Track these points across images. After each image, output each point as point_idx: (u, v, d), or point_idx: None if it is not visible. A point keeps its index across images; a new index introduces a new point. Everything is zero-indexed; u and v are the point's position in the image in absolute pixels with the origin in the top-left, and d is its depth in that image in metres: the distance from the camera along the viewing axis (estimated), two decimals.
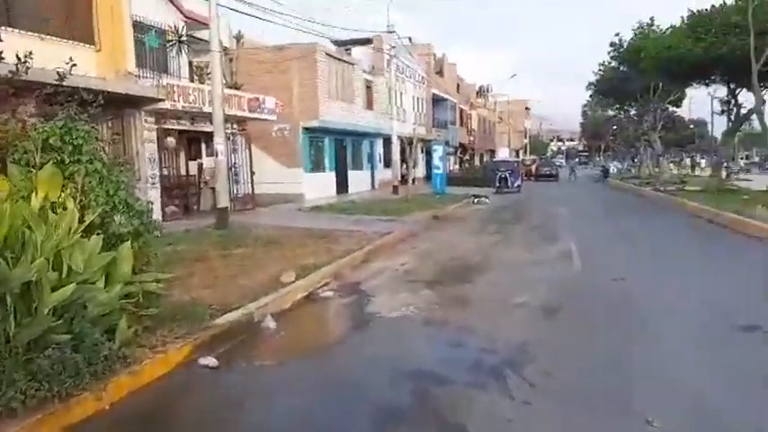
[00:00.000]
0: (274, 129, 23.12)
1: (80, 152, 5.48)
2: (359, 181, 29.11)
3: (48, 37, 11.96)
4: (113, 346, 4.54)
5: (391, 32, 30.01)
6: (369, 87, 31.38)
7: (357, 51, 31.76)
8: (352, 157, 29.23)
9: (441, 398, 4.38)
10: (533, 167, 49.49)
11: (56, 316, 4.31)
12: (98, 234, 5.04)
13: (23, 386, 3.81)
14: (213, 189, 15.56)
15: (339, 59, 27.29)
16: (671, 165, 52.52)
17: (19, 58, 5.99)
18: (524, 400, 4.25)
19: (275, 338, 6.07)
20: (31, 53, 6.11)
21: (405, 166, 29.79)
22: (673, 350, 5.40)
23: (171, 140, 16.08)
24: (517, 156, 66.54)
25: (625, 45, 31.11)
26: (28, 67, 6.00)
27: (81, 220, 4.93)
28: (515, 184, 30.69)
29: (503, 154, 55.78)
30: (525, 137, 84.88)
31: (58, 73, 6.03)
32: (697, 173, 48.45)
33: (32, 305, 4.28)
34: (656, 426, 3.78)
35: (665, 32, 27.31)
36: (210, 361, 5.18)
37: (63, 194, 5.01)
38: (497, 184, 30.15)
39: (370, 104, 31.12)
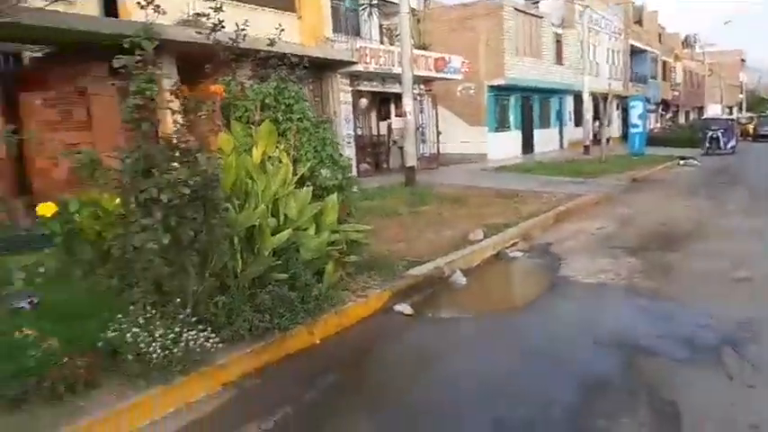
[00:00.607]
0: (459, 88, 23.00)
1: (291, 111, 5.94)
2: (546, 140, 27.90)
3: (259, 8, 13.06)
4: (322, 288, 4.93)
5: None
6: (558, 41, 29.62)
7: (545, 4, 30.02)
8: (539, 116, 28.04)
9: (647, 371, 4.06)
10: (750, 126, 43.10)
11: (275, 257, 4.77)
12: (308, 186, 5.45)
13: (250, 317, 4.30)
14: (401, 148, 16.02)
15: (527, 13, 26.08)
16: None
17: (238, 26, 6.60)
18: (747, 383, 3.77)
19: (465, 294, 6.13)
20: (246, 22, 6.69)
21: (597, 124, 27.86)
22: None
23: (364, 101, 16.83)
24: (730, 113, 58.53)
25: None
26: (245, 35, 6.59)
27: (294, 173, 5.36)
28: (729, 145, 27.03)
29: (713, 111, 49.51)
30: (741, 92, 74.14)
31: (269, 39, 6.54)
32: None
33: (255, 247, 4.78)
34: None
35: None
36: (405, 308, 5.40)
37: (278, 149, 5.47)
38: (707, 145, 26.81)
39: (559, 59, 29.42)
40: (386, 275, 5.98)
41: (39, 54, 10.87)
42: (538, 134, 27.39)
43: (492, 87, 23.49)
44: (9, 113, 9.27)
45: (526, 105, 26.66)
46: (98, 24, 9.19)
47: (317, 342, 4.64)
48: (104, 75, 10.18)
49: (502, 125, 24.83)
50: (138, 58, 3.88)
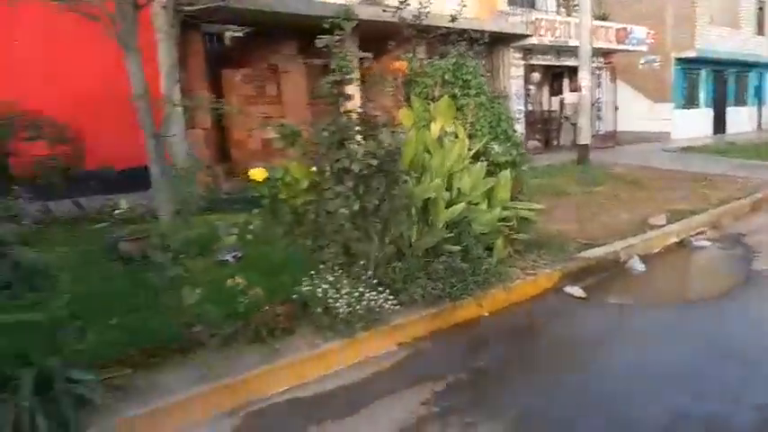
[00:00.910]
0: (641, 61, 21.25)
1: (468, 87, 6.01)
2: (741, 119, 24.86)
3: None
4: (492, 262, 5.01)
5: None
6: (761, 9, 25.93)
7: None
8: (734, 92, 24.99)
9: None
10: None
11: (447, 229, 4.94)
12: (482, 161, 5.51)
13: (424, 283, 4.53)
14: (574, 125, 15.35)
15: None
16: None
17: (421, 3, 6.76)
18: None
19: (643, 281, 5.83)
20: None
21: None
22: None
23: (536, 76, 16.32)
24: None
25: None
26: (428, 12, 6.74)
27: (468, 148, 5.45)
28: None
29: None
30: None
31: (451, 15, 6.63)
32: None
33: (429, 218, 4.98)
34: None
35: None
36: (576, 291, 5.29)
37: (455, 125, 5.59)
38: None
39: (761, 29, 25.80)
40: (556, 256, 5.89)
41: (239, 34, 12.06)
42: (731, 112, 24.50)
43: (680, 60, 21.39)
44: (213, 88, 10.46)
45: (719, 80, 23.91)
46: (295, 5, 9.91)
47: (485, 315, 4.75)
48: (293, 53, 11.08)
49: (690, 102, 22.57)
50: (338, 37, 4.20)
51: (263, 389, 3.58)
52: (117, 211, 5.91)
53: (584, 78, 13.38)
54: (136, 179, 6.93)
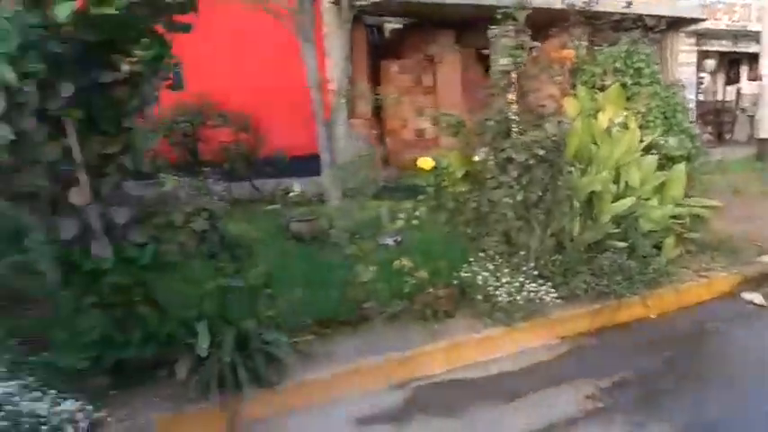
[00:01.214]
0: None
1: (640, 75, 5.71)
2: None
3: None
4: (661, 262, 4.77)
5: None
6: None
7: None
8: None
9: None
10: None
11: (613, 224, 4.77)
12: (653, 154, 5.23)
13: (586, 279, 4.44)
14: (751, 117, 13.87)
15: None
16: None
17: None
18: None
19: None
20: None
21: None
22: None
23: (710, 63, 14.96)
24: None
25: None
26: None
27: (640, 140, 5.20)
28: None
29: None
30: None
31: (626, 1, 6.34)
32: None
33: (594, 212, 4.85)
34: None
35: None
36: (756, 298, 4.88)
37: (625, 115, 5.35)
38: None
39: None
40: (731, 258, 5.44)
41: (398, 25, 12.41)
42: None
43: None
44: (371, 78, 10.90)
45: None
46: None
47: (652, 316, 4.54)
48: (450, 43, 11.20)
49: None
50: (511, 27, 4.23)
51: (427, 366, 3.75)
52: (290, 194, 6.42)
53: (765, 66, 12.03)
54: (305, 166, 7.48)
